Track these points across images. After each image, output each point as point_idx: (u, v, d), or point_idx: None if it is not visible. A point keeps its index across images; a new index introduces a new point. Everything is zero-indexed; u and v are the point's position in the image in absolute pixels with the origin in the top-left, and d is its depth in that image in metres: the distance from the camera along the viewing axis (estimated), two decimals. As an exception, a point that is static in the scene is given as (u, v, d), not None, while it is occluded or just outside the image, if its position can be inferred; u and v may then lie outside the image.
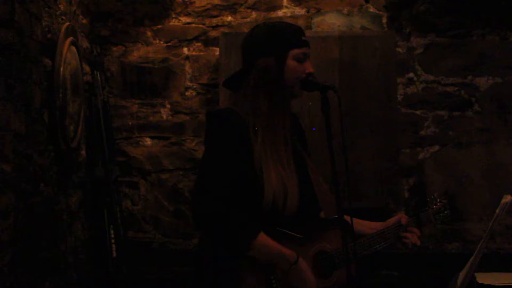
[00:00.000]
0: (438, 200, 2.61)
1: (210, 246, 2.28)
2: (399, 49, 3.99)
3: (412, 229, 2.49)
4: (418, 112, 4.00)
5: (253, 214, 2.22)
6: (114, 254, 3.65)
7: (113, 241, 3.66)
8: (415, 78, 4.01)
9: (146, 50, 4.07)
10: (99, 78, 3.83)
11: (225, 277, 2.21)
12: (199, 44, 4.06)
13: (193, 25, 4.07)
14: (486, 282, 3.18)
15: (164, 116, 4.05)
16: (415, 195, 3.95)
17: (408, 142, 3.98)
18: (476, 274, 3.14)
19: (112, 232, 3.67)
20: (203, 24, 4.07)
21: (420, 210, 2.58)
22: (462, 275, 2.58)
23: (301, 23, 3.98)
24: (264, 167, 2.25)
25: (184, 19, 4.06)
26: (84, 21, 3.82)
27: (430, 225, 2.56)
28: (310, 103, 3.66)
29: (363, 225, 2.49)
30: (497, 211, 2.51)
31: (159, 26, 4.07)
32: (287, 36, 2.33)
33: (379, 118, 3.85)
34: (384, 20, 4.02)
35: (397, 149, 3.88)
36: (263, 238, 2.19)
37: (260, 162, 2.25)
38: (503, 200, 2.49)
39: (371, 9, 4.04)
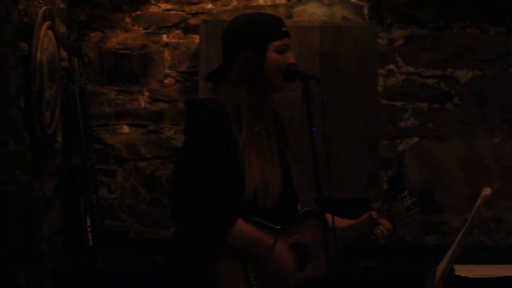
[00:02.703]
0: (408, 198, 2.65)
1: (185, 235, 2.26)
2: (380, 40, 3.98)
3: (383, 222, 2.51)
4: (398, 104, 4.00)
5: (233, 204, 2.20)
6: (90, 243, 3.61)
7: (89, 229, 3.62)
8: (395, 70, 4.01)
9: (125, 36, 4.01)
10: (76, 64, 3.77)
11: (199, 266, 2.20)
12: (178, 31, 4.02)
13: (173, 12, 4.02)
14: (464, 274, 3.20)
15: (142, 104, 4.00)
16: (394, 187, 3.95)
17: (388, 133, 3.98)
18: (454, 266, 3.15)
19: (88, 220, 3.63)
20: (183, 11, 4.02)
21: (392, 206, 2.62)
22: (441, 267, 2.59)
23: (281, 12, 3.95)
24: (246, 159, 2.24)
25: (164, 6, 4.01)
26: (62, 5, 3.76)
27: (400, 220, 2.59)
28: (291, 93, 3.64)
29: (339, 221, 2.48)
30: (477, 203, 2.52)
31: (138, 12, 4.01)
32: (266, 28, 2.32)
33: (359, 109, 3.84)
34: (366, 11, 4.01)
35: (377, 141, 3.88)
36: (241, 224, 2.18)
37: (243, 154, 2.23)
38: (483, 193, 2.51)
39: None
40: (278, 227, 2.28)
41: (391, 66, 4.01)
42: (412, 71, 4.01)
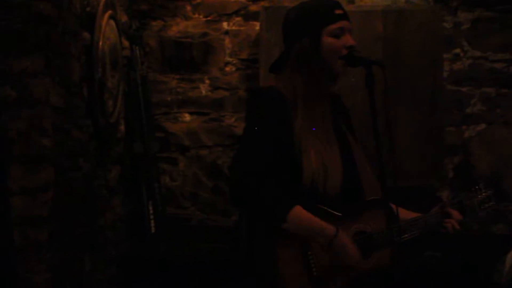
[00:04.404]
0: (483, 191, 2.53)
1: (247, 222, 2.28)
2: (445, 24, 3.88)
3: (454, 214, 2.42)
4: (464, 89, 3.90)
5: (292, 192, 2.18)
6: (153, 230, 3.65)
7: (151, 217, 3.66)
8: (461, 54, 3.90)
9: (185, 24, 4.02)
10: (138, 53, 3.80)
11: (260, 253, 2.21)
12: (238, 18, 4.00)
13: (233, -1, 4.01)
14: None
15: (203, 92, 4.01)
16: (460, 175, 3.86)
17: (454, 120, 3.89)
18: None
19: (150, 208, 3.67)
20: (243, -2, 4.01)
21: (464, 198, 2.49)
22: (510, 257, 2.50)
23: (343, -3, 3.89)
24: (303, 146, 2.22)
25: (224, -7, 4.01)
26: (123, -5, 3.79)
27: (473, 213, 2.49)
28: (353, 79, 3.57)
29: (405, 213, 2.42)
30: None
31: (198, 0, 4.01)
32: (318, 14, 2.30)
33: (424, 95, 3.76)
34: (430, -6, 3.91)
35: (442, 127, 3.79)
36: (299, 210, 2.16)
37: (299, 141, 2.22)
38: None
39: (417, -18, 3.93)
40: (339, 214, 2.24)
41: (457, 50, 3.90)
42: (479, 55, 3.90)
